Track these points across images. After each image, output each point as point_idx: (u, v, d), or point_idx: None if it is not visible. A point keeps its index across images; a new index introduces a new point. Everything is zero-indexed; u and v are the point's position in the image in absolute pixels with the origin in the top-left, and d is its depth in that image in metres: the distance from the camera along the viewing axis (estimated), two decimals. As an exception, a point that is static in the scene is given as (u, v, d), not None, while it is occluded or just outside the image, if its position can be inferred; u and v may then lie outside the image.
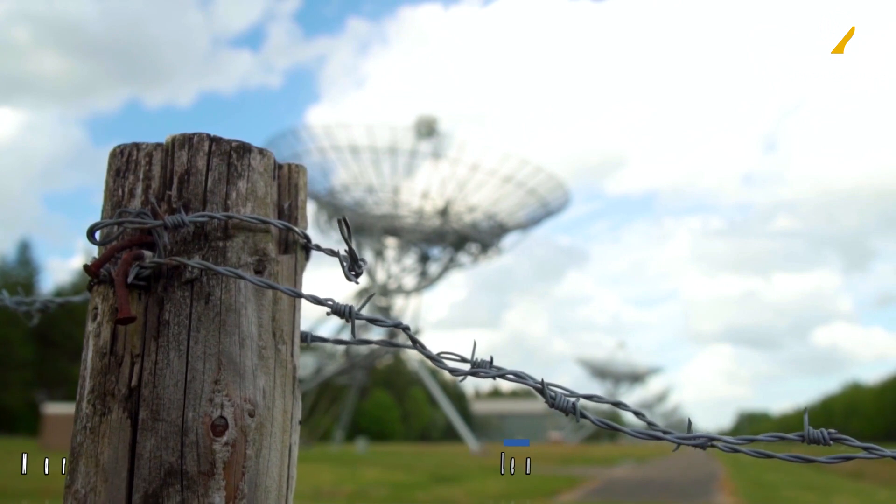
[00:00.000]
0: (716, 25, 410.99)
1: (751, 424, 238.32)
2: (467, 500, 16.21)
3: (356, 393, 50.83)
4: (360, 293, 49.72)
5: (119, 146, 0.85)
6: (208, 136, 0.82)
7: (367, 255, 48.44)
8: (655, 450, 71.86)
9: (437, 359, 0.75)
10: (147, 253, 0.77)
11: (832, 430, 0.65)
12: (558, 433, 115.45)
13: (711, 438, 0.67)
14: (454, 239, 47.76)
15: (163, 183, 0.81)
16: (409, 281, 51.45)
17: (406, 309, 50.18)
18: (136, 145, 0.84)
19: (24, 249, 63.24)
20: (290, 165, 0.86)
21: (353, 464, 27.76)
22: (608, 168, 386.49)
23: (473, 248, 49.69)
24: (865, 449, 0.67)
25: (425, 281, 50.32)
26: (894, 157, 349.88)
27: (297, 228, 0.80)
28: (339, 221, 0.75)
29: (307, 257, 0.86)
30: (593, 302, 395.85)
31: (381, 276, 48.25)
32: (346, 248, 0.76)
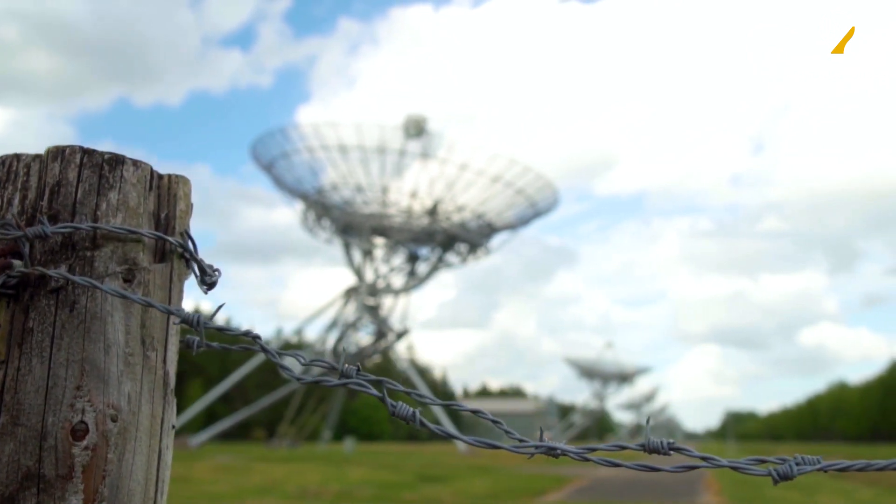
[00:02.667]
0: (706, 28, 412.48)
1: (738, 424, 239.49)
2: (453, 500, 16.24)
3: (344, 392, 50.74)
4: (348, 293, 49.70)
5: (1, 157, 0.87)
6: (81, 148, 0.84)
7: (356, 255, 48.38)
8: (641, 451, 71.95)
9: (282, 365, 0.77)
10: (16, 262, 0.79)
11: (671, 441, 0.68)
12: (547, 433, 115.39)
13: (552, 448, 0.70)
14: (443, 238, 47.76)
15: (38, 194, 0.83)
16: (398, 280, 51.43)
17: (394, 309, 50.14)
18: (17, 156, 0.86)
19: None
20: (170, 176, 0.88)
21: (340, 463, 27.77)
22: (598, 169, 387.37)
23: (462, 247, 49.72)
24: (704, 459, 0.69)
25: (414, 280, 50.30)
26: (881, 159, 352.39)
27: (170, 238, 0.82)
28: (183, 234, 0.77)
29: (188, 266, 0.87)
30: (582, 302, 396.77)
31: (369, 275, 48.20)
32: (196, 259, 0.78)
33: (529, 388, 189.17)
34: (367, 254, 47.20)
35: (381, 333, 48.63)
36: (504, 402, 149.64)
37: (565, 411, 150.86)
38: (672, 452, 0.68)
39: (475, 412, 0.78)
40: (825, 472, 0.67)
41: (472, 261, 50.48)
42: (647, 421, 0.75)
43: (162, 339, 0.83)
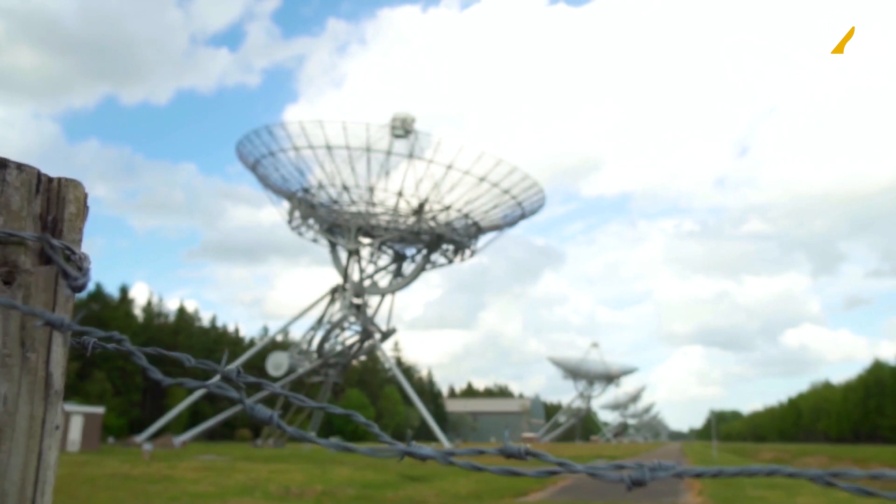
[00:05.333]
0: (692, 33, 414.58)
1: (722, 424, 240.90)
2: (437, 500, 16.25)
3: (329, 392, 50.57)
4: (334, 292, 49.47)
5: None
6: (-39, 151, 0.85)
7: (342, 254, 48.26)
8: (626, 451, 72.27)
9: (149, 368, 0.78)
10: None
11: (527, 446, 0.70)
12: (532, 433, 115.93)
13: (405, 452, 0.71)
14: (429, 238, 47.72)
15: (-77, 198, 0.83)
16: (384, 280, 51.33)
17: (380, 308, 50.05)
18: None
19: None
20: (60, 180, 0.88)
21: (324, 463, 27.68)
22: (584, 170, 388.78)
23: (448, 249, 49.65)
24: (559, 464, 0.71)
25: (400, 280, 50.23)
26: (864, 163, 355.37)
27: (54, 241, 0.83)
28: (42, 238, 0.78)
29: (79, 268, 0.88)
30: (568, 302, 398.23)
31: (355, 275, 48.10)
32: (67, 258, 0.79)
33: (515, 387, 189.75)
34: (354, 253, 47.08)
35: (366, 333, 48.53)
36: (490, 402, 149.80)
37: (551, 411, 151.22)
38: (528, 457, 0.70)
39: (348, 415, 0.80)
40: (680, 478, 0.69)
41: (457, 261, 50.49)
42: (506, 431, 0.77)
43: (45, 340, 0.84)
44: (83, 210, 0.90)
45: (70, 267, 0.83)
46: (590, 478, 0.72)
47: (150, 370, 0.77)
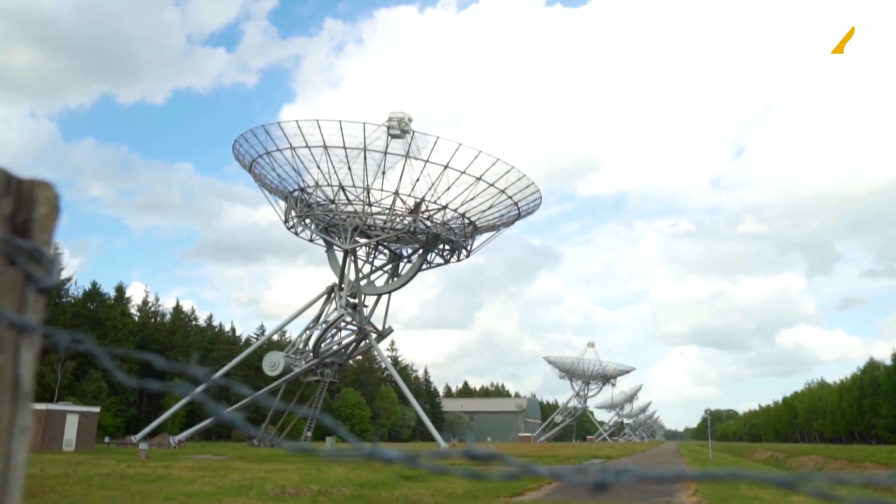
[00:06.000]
0: (687, 34, 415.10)
1: (718, 424, 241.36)
2: (433, 499, 16.25)
3: (325, 391, 50.53)
4: (330, 291, 49.43)
5: None
6: (-71, 152, 0.85)
7: (339, 254, 48.22)
8: (622, 450, 72.36)
9: (111, 368, 0.78)
10: None
11: (492, 450, 0.70)
12: (528, 433, 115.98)
13: (369, 454, 0.71)
14: (425, 238, 47.70)
15: None
16: (380, 280, 51.32)
17: (376, 308, 50.03)
18: None
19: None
20: (31, 181, 0.88)
21: (320, 463, 27.65)
22: (580, 170, 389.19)
23: (444, 248, 49.62)
24: (522, 467, 0.71)
25: (396, 280, 50.21)
26: (859, 164, 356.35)
27: (21, 242, 0.83)
28: (4, 239, 0.78)
29: (48, 270, 0.87)
30: (564, 302, 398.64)
31: (351, 274, 48.04)
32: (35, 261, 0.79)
33: (511, 387, 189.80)
34: (350, 253, 47.04)
35: (363, 332, 48.51)
36: (487, 402, 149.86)
37: (548, 411, 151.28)
38: (493, 461, 0.70)
39: (305, 417, 0.80)
40: (644, 482, 0.69)
41: (454, 261, 50.50)
42: (457, 438, 0.77)
43: (13, 342, 0.83)
44: (54, 211, 0.90)
45: (38, 268, 0.82)
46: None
47: (113, 372, 0.77)
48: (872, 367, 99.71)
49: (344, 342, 49.09)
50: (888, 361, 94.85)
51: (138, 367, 58.41)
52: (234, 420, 0.74)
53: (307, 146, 43.29)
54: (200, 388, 0.81)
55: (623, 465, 0.72)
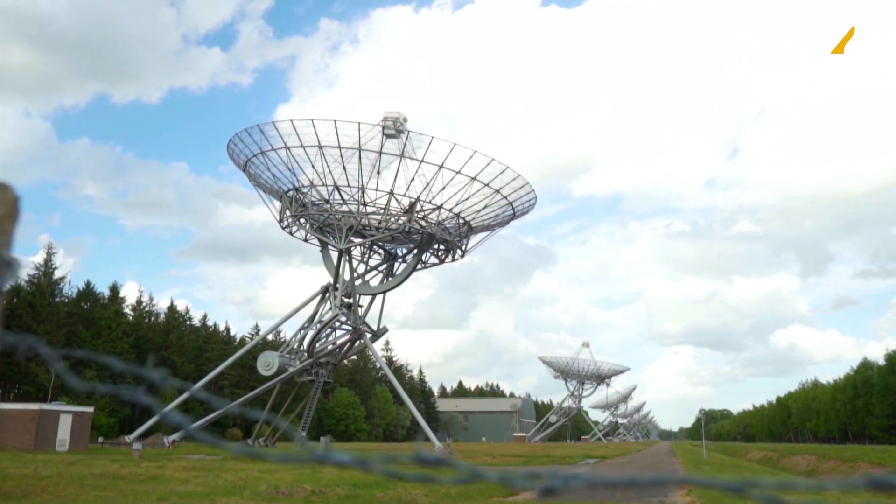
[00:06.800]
0: (682, 35, 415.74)
1: (712, 423, 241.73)
2: (426, 500, 16.26)
3: (320, 391, 50.47)
4: (325, 291, 49.35)
5: None
6: None
7: (333, 254, 48.17)
8: (616, 450, 72.40)
9: (62, 372, 0.81)
10: None
11: (444, 456, 0.73)
12: (522, 433, 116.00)
13: (321, 458, 0.74)
14: (420, 238, 47.70)
15: None
16: (375, 279, 51.29)
17: (371, 307, 50.00)
18: None
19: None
20: (-8, 185, 0.90)
21: (314, 463, 27.63)
22: (575, 170, 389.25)
23: (439, 248, 49.63)
24: (472, 472, 0.74)
25: (391, 280, 50.20)
26: (853, 165, 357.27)
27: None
28: None
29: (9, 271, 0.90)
30: (559, 302, 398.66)
31: (346, 274, 48.01)
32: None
33: (506, 387, 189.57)
34: (345, 253, 47.00)
35: (357, 332, 48.48)
36: (481, 402, 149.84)
37: (542, 411, 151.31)
38: (443, 465, 0.73)
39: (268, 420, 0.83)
40: (594, 487, 0.72)
41: (449, 261, 50.51)
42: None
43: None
44: (13, 213, 0.92)
45: None
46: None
47: (64, 376, 0.79)
48: (866, 367, 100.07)
49: (339, 342, 49.03)
50: (881, 362, 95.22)
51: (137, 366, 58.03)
52: (182, 423, 0.77)
53: (302, 146, 43.24)
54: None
55: (573, 471, 0.75)
